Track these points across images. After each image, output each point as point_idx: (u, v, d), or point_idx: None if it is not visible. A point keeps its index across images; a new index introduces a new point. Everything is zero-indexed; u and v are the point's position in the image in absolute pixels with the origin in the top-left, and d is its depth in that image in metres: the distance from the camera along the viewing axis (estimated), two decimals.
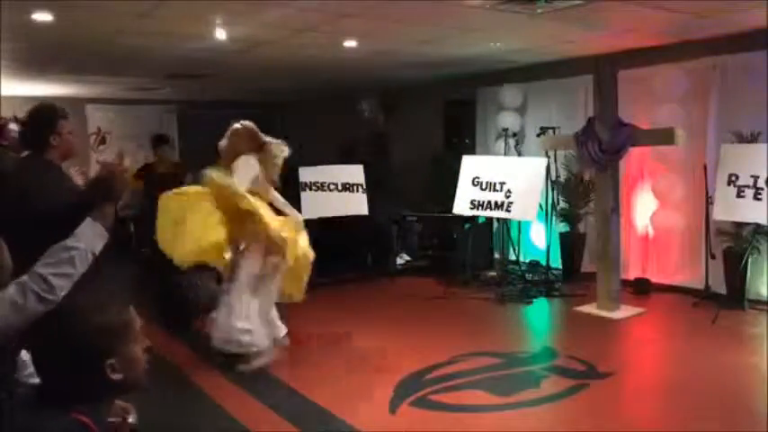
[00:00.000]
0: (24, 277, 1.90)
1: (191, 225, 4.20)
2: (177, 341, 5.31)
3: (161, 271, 6.31)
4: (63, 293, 1.92)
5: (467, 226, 7.36)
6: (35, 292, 1.87)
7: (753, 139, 5.64)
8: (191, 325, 5.76)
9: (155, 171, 6.33)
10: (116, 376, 1.47)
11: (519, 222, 7.15)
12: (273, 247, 4.35)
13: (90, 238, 2.03)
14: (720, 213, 5.52)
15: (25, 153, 3.06)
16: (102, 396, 1.50)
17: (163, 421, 3.51)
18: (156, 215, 6.26)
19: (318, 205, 6.69)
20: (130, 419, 1.79)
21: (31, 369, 2.08)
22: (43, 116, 3.02)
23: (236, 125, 4.55)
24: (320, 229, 7.17)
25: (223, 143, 4.59)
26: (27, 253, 1.99)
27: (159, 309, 6.07)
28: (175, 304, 5.97)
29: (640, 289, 6.42)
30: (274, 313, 4.72)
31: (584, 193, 7.00)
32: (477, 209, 6.56)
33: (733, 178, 5.40)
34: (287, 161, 4.95)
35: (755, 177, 5.25)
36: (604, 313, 5.72)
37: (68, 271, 1.95)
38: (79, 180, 3.24)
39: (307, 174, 6.78)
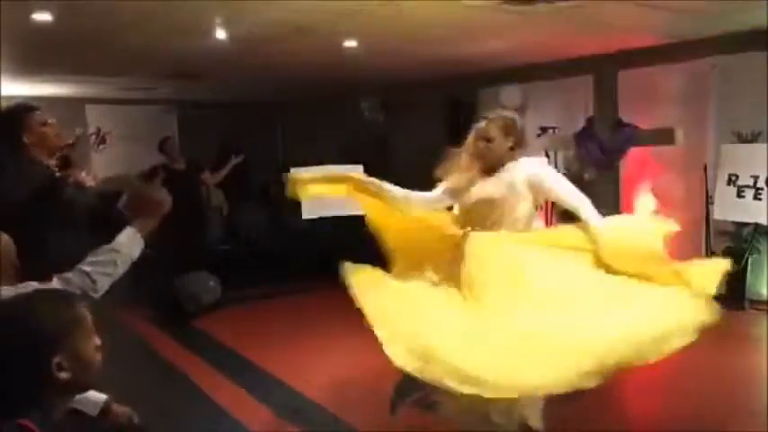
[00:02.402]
0: (69, 274, 2.02)
1: None
2: (177, 341, 5.31)
3: (161, 270, 6.34)
4: (102, 292, 2.07)
5: None
6: (80, 288, 2.00)
7: (753, 139, 5.64)
8: (189, 324, 5.78)
9: (170, 170, 6.33)
10: (63, 375, 1.37)
11: None
12: None
13: (130, 244, 2.15)
14: (720, 213, 5.52)
15: None
16: (47, 397, 1.39)
17: (162, 421, 3.51)
18: (177, 215, 6.24)
19: (318, 205, 6.68)
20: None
21: None
22: (9, 117, 2.98)
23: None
24: (319, 229, 7.20)
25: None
26: None
27: (159, 308, 6.09)
28: (175, 304, 5.99)
29: None
30: None
31: (585, 193, 6.99)
32: None
33: (733, 178, 5.41)
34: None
35: (755, 177, 5.25)
36: None
37: (110, 271, 2.08)
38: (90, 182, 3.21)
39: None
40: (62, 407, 1.46)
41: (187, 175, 6.35)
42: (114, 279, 2.12)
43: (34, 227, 2.82)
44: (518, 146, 3.05)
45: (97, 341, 1.51)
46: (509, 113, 3.15)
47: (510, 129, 3.03)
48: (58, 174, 3.09)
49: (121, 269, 2.13)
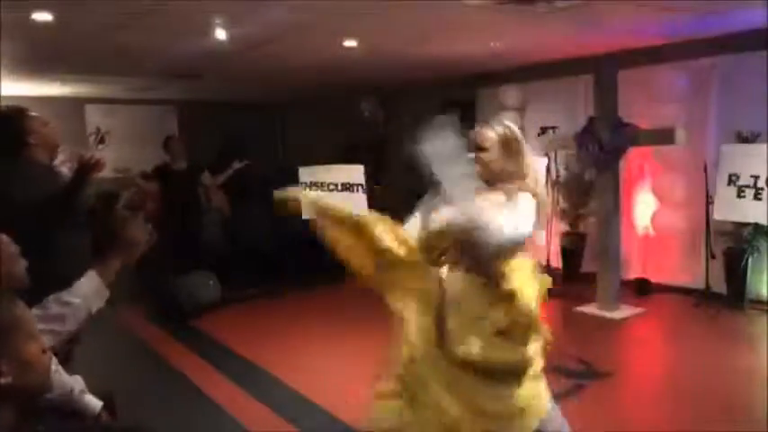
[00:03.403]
0: None
1: None
2: (177, 341, 5.31)
3: (161, 270, 6.34)
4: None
5: None
6: None
7: (753, 139, 5.64)
8: (188, 324, 5.78)
9: (170, 170, 6.32)
10: (1, 380, 1.28)
11: None
12: None
13: (89, 294, 1.89)
14: (720, 213, 5.51)
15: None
16: None
17: (162, 421, 3.51)
18: (172, 213, 6.24)
19: None
20: None
21: (57, 392, 2.00)
22: (12, 120, 3.02)
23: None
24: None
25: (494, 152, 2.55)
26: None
27: (158, 308, 6.09)
28: (175, 304, 5.98)
29: (640, 289, 6.42)
30: None
31: (585, 193, 7.00)
32: None
33: (733, 178, 5.39)
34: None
35: (755, 177, 5.23)
36: (604, 313, 5.71)
37: (56, 328, 1.81)
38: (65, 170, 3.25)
39: (307, 174, 6.77)
40: (10, 412, 1.36)
41: (187, 175, 6.34)
42: (65, 337, 1.82)
43: (44, 227, 2.85)
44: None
45: (44, 343, 1.42)
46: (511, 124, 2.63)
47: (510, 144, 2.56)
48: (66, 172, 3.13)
49: (72, 325, 1.83)
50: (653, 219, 6.59)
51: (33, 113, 3.07)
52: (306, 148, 9.92)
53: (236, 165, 6.68)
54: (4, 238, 1.97)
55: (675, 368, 4.55)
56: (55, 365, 2.11)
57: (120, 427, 2.25)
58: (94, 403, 2.16)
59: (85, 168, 2.99)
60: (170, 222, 6.28)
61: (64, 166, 3.35)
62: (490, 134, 2.58)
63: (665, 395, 4.07)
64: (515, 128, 2.62)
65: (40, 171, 3.00)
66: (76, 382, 2.12)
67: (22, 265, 1.93)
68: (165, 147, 6.45)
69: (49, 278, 2.23)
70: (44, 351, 1.43)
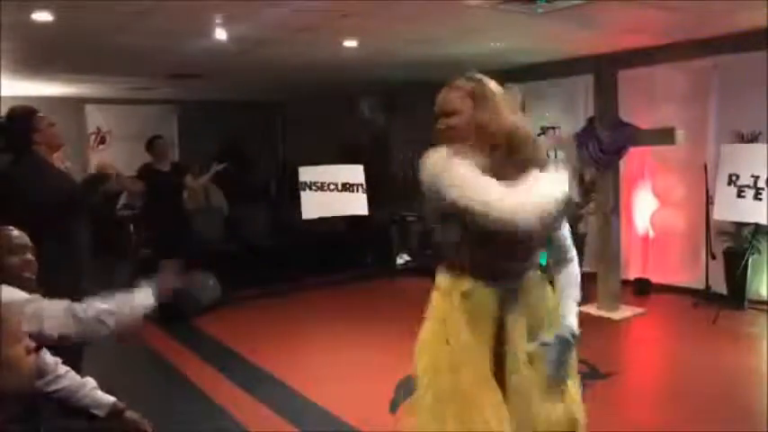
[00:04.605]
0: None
1: None
2: (177, 341, 5.31)
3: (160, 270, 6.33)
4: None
5: None
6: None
7: (753, 139, 5.64)
8: (190, 324, 5.78)
9: (154, 170, 6.31)
10: None
11: None
12: None
13: (137, 305, 2.19)
14: (720, 213, 5.52)
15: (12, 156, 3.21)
16: None
17: (161, 421, 3.51)
18: (158, 216, 6.26)
19: (318, 205, 6.69)
20: None
21: (52, 376, 2.12)
22: (20, 119, 3.21)
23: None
24: (320, 229, 7.20)
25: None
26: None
27: (159, 308, 6.08)
28: (175, 303, 5.98)
29: (640, 289, 6.41)
30: None
31: (585, 193, 7.00)
32: None
33: (733, 178, 5.40)
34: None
35: (755, 177, 5.25)
36: (604, 313, 5.71)
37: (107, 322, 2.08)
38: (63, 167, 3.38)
39: (307, 174, 6.79)
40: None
41: (170, 177, 6.32)
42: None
43: (59, 222, 2.98)
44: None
45: (29, 344, 1.41)
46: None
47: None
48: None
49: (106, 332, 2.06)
50: (653, 219, 6.59)
51: (41, 114, 3.24)
52: (306, 147, 9.93)
53: (216, 167, 6.66)
54: (15, 232, 2.03)
55: (675, 368, 4.55)
56: (67, 368, 2.22)
57: (120, 428, 2.26)
58: (107, 398, 2.27)
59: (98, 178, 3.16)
60: (154, 222, 6.29)
61: (62, 162, 3.43)
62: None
63: (666, 395, 4.07)
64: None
65: (44, 168, 3.14)
66: (88, 381, 2.29)
67: (17, 259, 2.03)
68: (149, 147, 6.43)
69: (49, 274, 2.29)
70: (29, 352, 1.40)
